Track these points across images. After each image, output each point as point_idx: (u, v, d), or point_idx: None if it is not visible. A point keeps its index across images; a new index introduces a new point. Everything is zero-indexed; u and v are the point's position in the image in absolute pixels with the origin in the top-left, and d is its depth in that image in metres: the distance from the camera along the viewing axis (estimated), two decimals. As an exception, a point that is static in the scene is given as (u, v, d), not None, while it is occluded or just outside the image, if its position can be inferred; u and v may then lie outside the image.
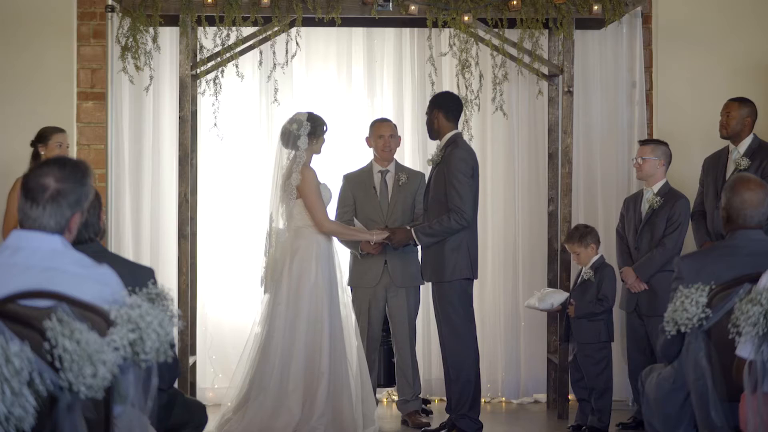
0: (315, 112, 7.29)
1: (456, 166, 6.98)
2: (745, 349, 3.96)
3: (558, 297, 7.34)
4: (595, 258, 7.32)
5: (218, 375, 8.46)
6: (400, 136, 7.90)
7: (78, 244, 3.95)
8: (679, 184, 7.67)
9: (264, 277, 7.22)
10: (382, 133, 7.72)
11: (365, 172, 7.82)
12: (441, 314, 7.12)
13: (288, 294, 7.05)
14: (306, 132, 7.11)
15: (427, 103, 7.37)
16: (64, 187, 3.57)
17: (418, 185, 7.77)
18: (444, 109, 7.17)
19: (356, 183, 7.79)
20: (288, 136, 7.16)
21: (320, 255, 7.12)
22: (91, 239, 4.34)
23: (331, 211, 7.50)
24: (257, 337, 7.15)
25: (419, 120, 8.50)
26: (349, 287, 7.62)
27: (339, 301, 7.16)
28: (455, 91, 7.90)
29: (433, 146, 7.92)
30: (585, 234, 7.33)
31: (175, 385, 4.91)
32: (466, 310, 7.12)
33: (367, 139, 7.82)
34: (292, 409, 6.90)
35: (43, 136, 7.41)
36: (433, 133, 7.27)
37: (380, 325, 7.78)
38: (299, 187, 7.11)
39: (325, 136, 7.26)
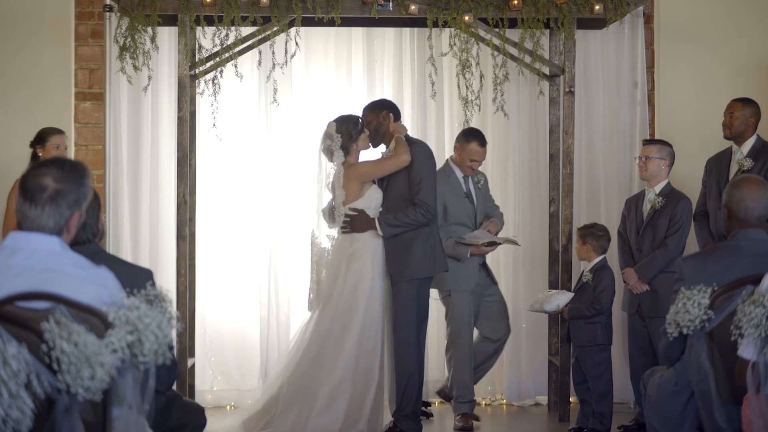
0: (344, 115, 7.28)
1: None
2: (747, 350, 3.95)
3: (563, 298, 7.29)
4: (597, 260, 7.28)
5: (217, 377, 8.43)
6: None
7: (76, 245, 3.95)
8: (681, 185, 7.64)
9: (312, 300, 7.22)
10: (476, 159, 7.65)
11: (452, 178, 7.73)
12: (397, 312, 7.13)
13: (342, 299, 7.03)
14: (338, 145, 7.12)
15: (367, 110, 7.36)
16: (63, 188, 3.57)
17: (487, 185, 7.85)
18: (393, 111, 7.29)
19: (446, 189, 7.67)
20: (328, 152, 7.19)
21: (375, 259, 7.11)
22: (88, 240, 4.30)
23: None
24: (304, 342, 7.11)
25: (419, 120, 8.49)
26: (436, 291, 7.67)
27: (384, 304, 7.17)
28: (456, 92, 7.96)
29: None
30: (589, 233, 7.30)
31: (174, 387, 4.90)
32: (421, 309, 7.14)
33: (456, 148, 7.73)
34: (339, 413, 6.89)
35: (41, 138, 7.38)
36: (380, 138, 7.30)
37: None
38: (344, 203, 7.14)
39: (363, 129, 7.23)
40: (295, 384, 6.98)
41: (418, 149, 7.15)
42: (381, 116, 7.24)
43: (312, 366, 6.96)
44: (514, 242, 7.72)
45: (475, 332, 7.78)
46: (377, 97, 8.37)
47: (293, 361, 7.08)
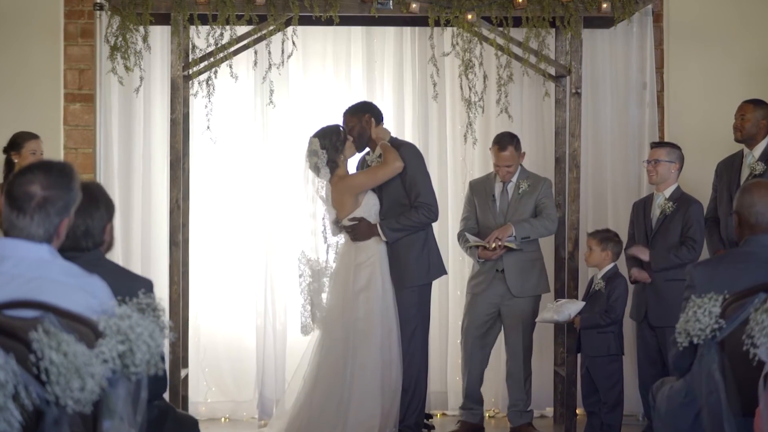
0: (325, 127, 7.20)
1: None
2: (765, 356, 3.88)
3: (574, 307, 7.21)
4: (608, 267, 7.22)
5: (211, 388, 8.36)
6: (523, 152, 7.71)
7: (76, 251, 3.95)
8: (690, 189, 7.57)
9: (307, 323, 7.15)
10: (499, 164, 7.58)
11: (488, 180, 7.73)
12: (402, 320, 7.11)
13: (355, 312, 6.97)
14: (325, 161, 7.07)
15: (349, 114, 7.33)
16: (51, 194, 3.54)
17: (540, 190, 7.64)
18: (375, 115, 7.29)
19: (478, 190, 7.71)
20: (315, 170, 7.13)
21: (383, 266, 7.08)
22: (88, 249, 4.16)
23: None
24: (319, 363, 7.03)
25: (420, 122, 8.42)
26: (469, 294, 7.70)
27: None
28: (458, 93, 7.90)
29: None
30: (608, 238, 7.25)
31: (167, 398, 4.83)
32: (424, 316, 7.16)
33: (491, 149, 7.68)
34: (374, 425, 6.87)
35: (16, 143, 7.32)
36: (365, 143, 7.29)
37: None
38: (340, 216, 7.12)
39: (347, 137, 7.18)
40: (319, 407, 6.91)
41: (407, 151, 7.17)
42: (363, 120, 7.25)
43: (334, 386, 6.90)
44: (509, 247, 7.48)
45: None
46: (377, 99, 8.35)
47: (311, 385, 7.00)
